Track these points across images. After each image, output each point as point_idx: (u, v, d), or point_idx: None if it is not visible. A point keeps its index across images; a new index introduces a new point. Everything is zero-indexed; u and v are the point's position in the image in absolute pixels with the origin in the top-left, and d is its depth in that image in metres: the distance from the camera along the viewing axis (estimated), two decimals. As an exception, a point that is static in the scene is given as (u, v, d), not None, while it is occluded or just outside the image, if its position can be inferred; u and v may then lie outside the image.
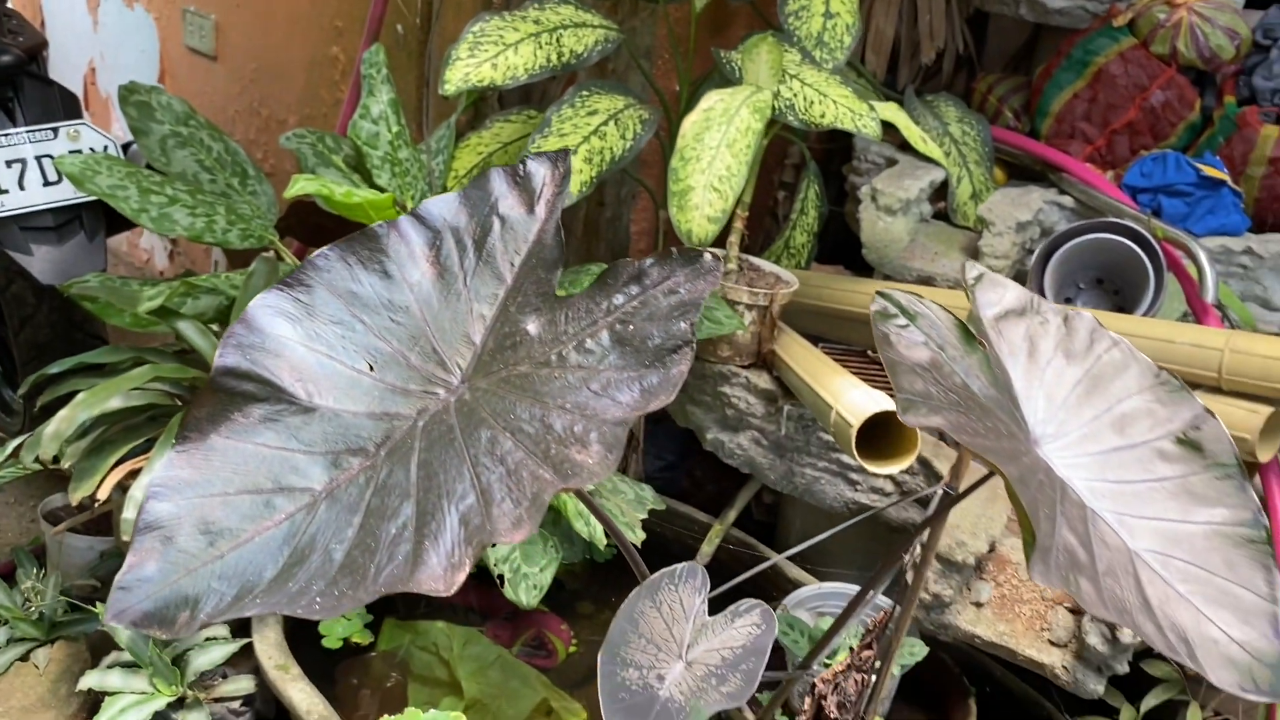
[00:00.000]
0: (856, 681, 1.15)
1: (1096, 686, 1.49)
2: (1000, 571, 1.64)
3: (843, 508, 1.86)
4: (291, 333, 0.81)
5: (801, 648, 1.61)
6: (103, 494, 1.52)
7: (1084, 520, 0.77)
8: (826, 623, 1.61)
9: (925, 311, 0.82)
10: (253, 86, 2.68)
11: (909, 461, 1.35)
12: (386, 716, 1.47)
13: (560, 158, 0.86)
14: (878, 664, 1.17)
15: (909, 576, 1.12)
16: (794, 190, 2.40)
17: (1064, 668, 1.51)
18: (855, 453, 1.34)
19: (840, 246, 2.36)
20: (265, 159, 2.68)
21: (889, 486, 1.80)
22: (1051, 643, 1.56)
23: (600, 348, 0.78)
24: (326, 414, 0.79)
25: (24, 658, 1.74)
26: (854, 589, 1.70)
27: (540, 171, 0.87)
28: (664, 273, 0.79)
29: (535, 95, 2.23)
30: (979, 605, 1.60)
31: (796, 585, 1.83)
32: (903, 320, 0.81)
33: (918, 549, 1.06)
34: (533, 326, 0.81)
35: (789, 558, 1.69)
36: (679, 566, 1.05)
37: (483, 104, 2.24)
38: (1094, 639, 1.47)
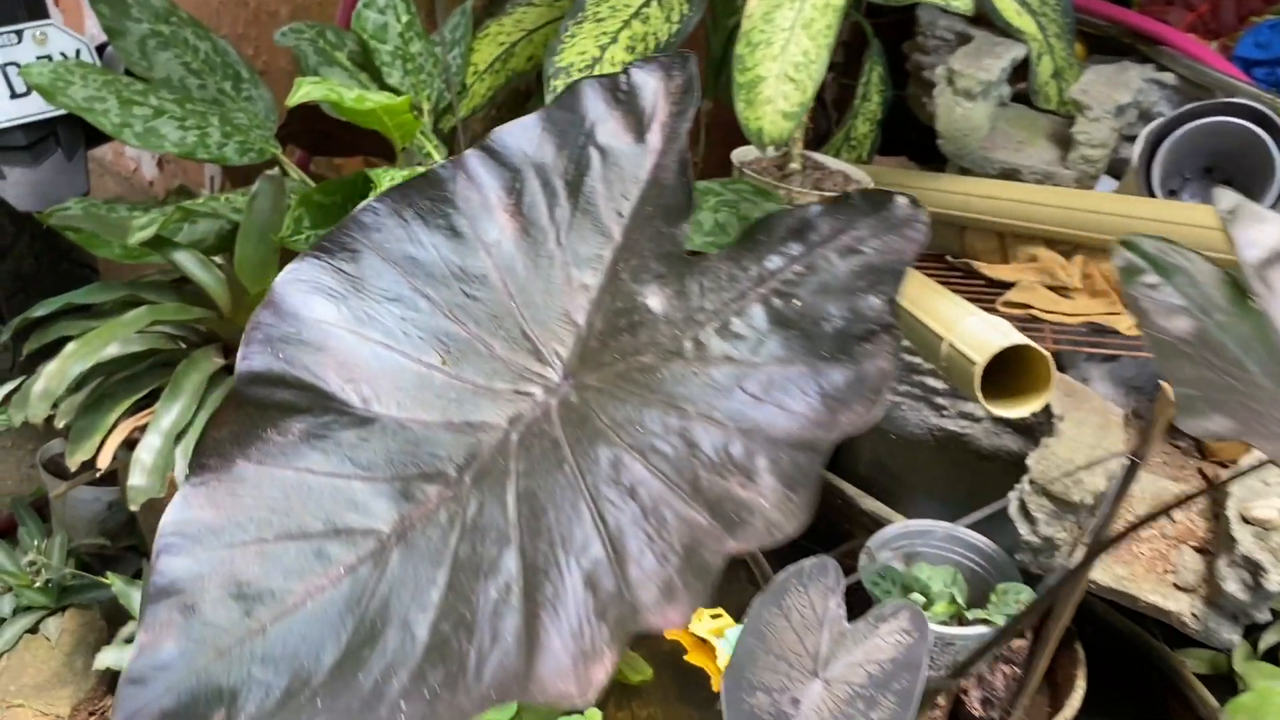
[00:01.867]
0: (1004, 675, 0.99)
1: (1231, 635, 1.33)
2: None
3: (926, 434, 1.67)
4: (335, 316, 0.60)
5: (896, 598, 1.43)
6: (104, 460, 1.33)
7: None
8: (921, 568, 1.44)
9: (1182, 264, 0.61)
10: (238, -28, 2.39)
11: (1042, 402, 1.16)
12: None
13: (678, 64, 0.64)
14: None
15: (1071, 555, 0.94)
16: (846, 72, 2.13)
17: (1193, 615, 1.35)
18: (979, 395, 1.14)
19: (901, 134, 2.12)
20: (256, 56, 2.41)
21: (979, 412, 1.61)
22: (1177, 586, 1.39)
23: (752, 331, 0.57)
24: (389, 425, 0.59)
25: (33, 629, 1.58)
26: (944, 526, 1.52)
27: (650, 84, 0.64)
28: (837, 224, 0.58)
29: (559, -26, 1.96)
30: (1094, 547, 1.42)
31: (872, 519, 1.66)
32: (1154, 278, 0.60)
33: (1081, 529, 0.87)
34: (655, 300, 0.60)
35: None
36: (805, 563, 0.86)
37: (499, -14, 1.97)
38: (1232, 585, 1.29)
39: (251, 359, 0.58)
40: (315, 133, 1.87)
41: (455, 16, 1.85)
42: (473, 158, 0.65)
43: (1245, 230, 0.64)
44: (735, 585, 1.64)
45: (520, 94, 2.02)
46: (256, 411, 0.59)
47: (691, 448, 0.55)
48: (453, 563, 0.56)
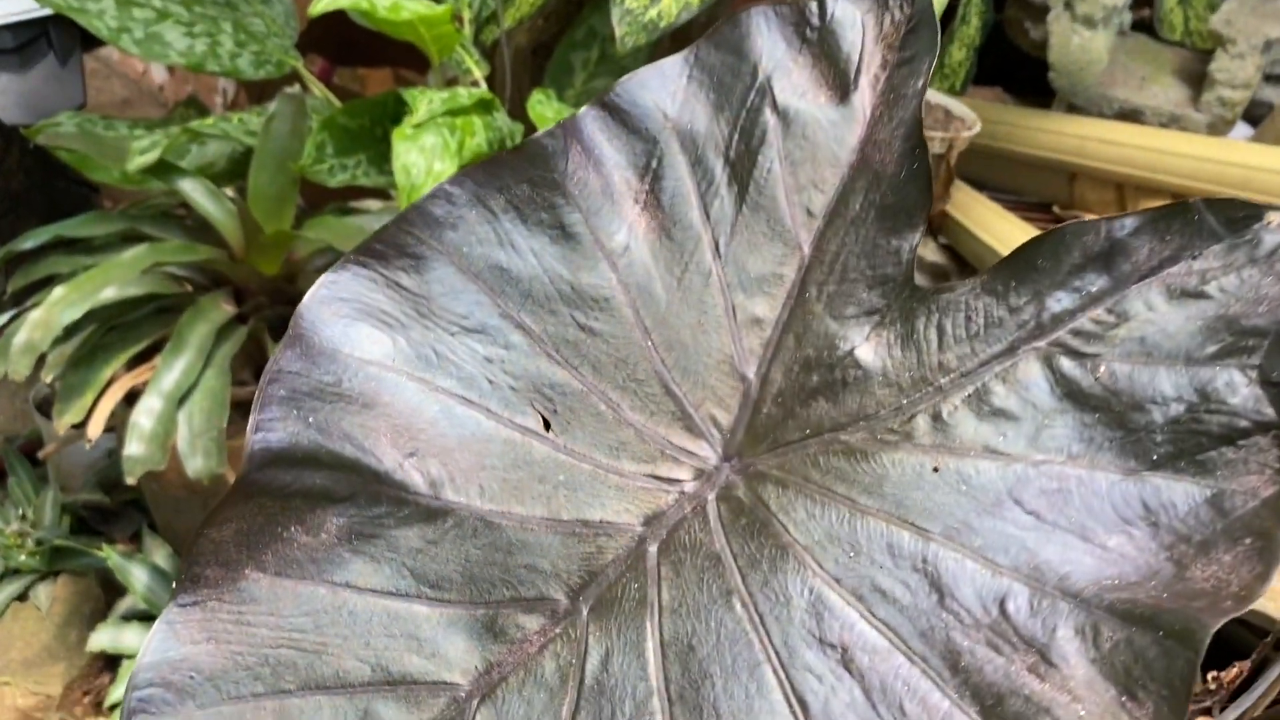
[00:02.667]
0: None
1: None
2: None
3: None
4: (390, 354, 0.41)
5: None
6: (94, 429, 1.14)
7: None
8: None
9: None
10: None
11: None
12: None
13: (902, -9, 0.42)
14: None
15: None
16: (947, -8, 1.87)
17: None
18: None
19: (995, 63, 1.88)
20: (273, -49, 2.15)
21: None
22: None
23: (1028, 407, 0.37)
24: (469, 521, 0.40)
25: (22, 596, 1.42)
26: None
27: (857, 17, 0.43)
28: (1165, 247, 0.38)
29: None
30: None
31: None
32: None
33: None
34: (867, 349, 0.40)
35: None
36: None
37: (553, -124, 1.71)
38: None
39: (270, 429, 0.39)
40: (339, 40, 1.64)
41: (503, -88, 1.60)
42: (590, 120, 0.44)
43: None
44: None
45: (572, 2, 1.78)
46: (276, 502, 0.40)
47: (940, 593, 0.36)
48: (565, 745, 0.37)
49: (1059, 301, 0.39)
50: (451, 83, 1.42)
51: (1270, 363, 0.35)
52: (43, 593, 1.42)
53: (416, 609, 0.40)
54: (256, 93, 1.64)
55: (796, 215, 0.43)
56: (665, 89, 0.45)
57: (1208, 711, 0.83)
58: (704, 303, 0.43)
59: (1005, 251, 1.08)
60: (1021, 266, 0.39)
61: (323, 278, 0.41)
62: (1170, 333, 0.37)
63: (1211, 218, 0.37)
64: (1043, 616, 0.34)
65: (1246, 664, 0.50)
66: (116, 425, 1.26)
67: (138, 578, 1.29)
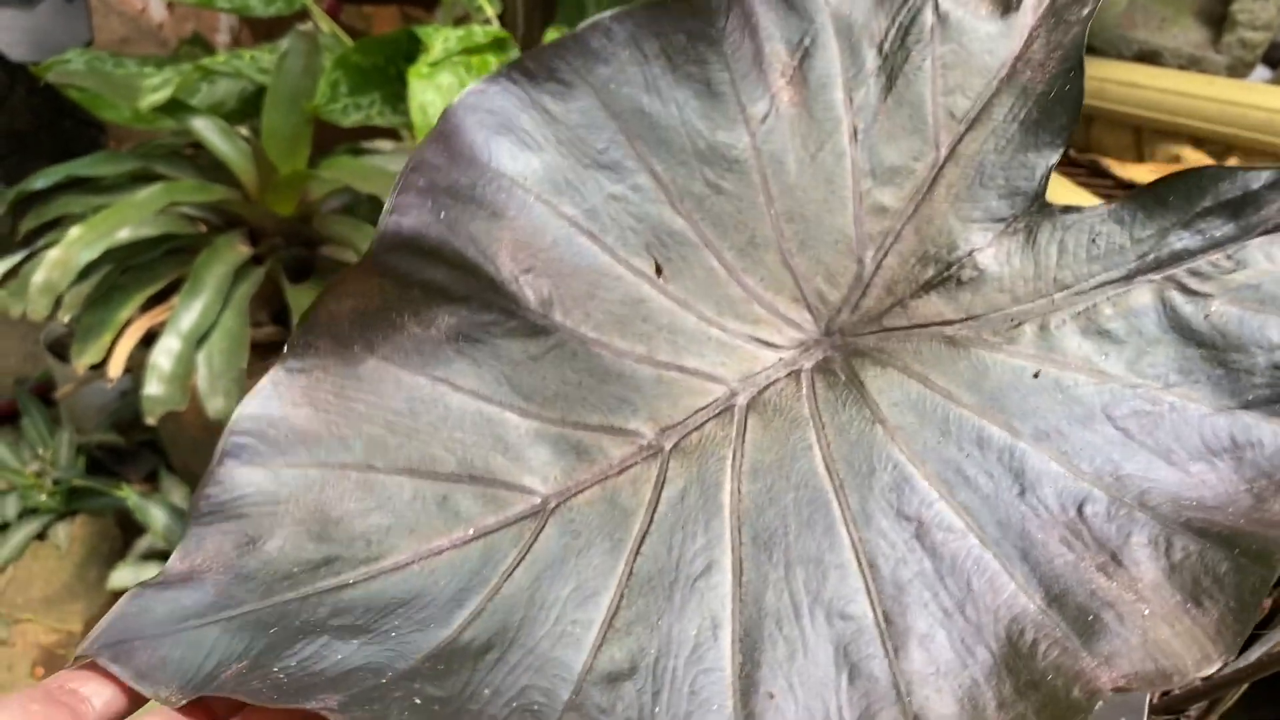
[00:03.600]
0: None
1: None
2: None
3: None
4: (526, 171, 0.42)
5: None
6: (115, 368, 1.15)
7: None
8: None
9: None
10: None
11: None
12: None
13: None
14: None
15: None
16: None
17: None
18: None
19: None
20: None
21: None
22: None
23: (1134, 333, 0.39)
24: (570, 343, 0.41)
25: (41, 535, 1.42)
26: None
27: (1034, -66, 0.44)
28: (1298, 208, 0.38)
29: None
30: None
31: None
32: None
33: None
34: (988, 253, 0.42)
35: None
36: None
37: None
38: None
39: (405, 212, 0.40)
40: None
41: None
42: (755, -8, 0.45)
43: None
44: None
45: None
46: (395, 287, 0.41)
47: (1021, 487, 0.38)
48: (633, 563, 0.39)
49: (1181, 240, 0.40)
50: (461, 20, 1.41)
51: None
52: (61, 532, 1.43)
53: (507, 416, 0.42)
54: (263, 32, 1.61)
55: (939, 115, 0.44)
56: (831, -24, 0.46)
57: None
58: (833, 182, 0.44)
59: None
60: (1151, 201, 0.40)
61: (473, 85, 0.42)
62: (1289, 284, 0.38)
63: (1349, 182, 0.38)
64: (1118, 523, 0.36)
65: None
66: (133, 366, 1.26)
67: (156, 517, 1.30)
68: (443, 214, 0.41)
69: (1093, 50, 1.62)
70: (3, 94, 1.69)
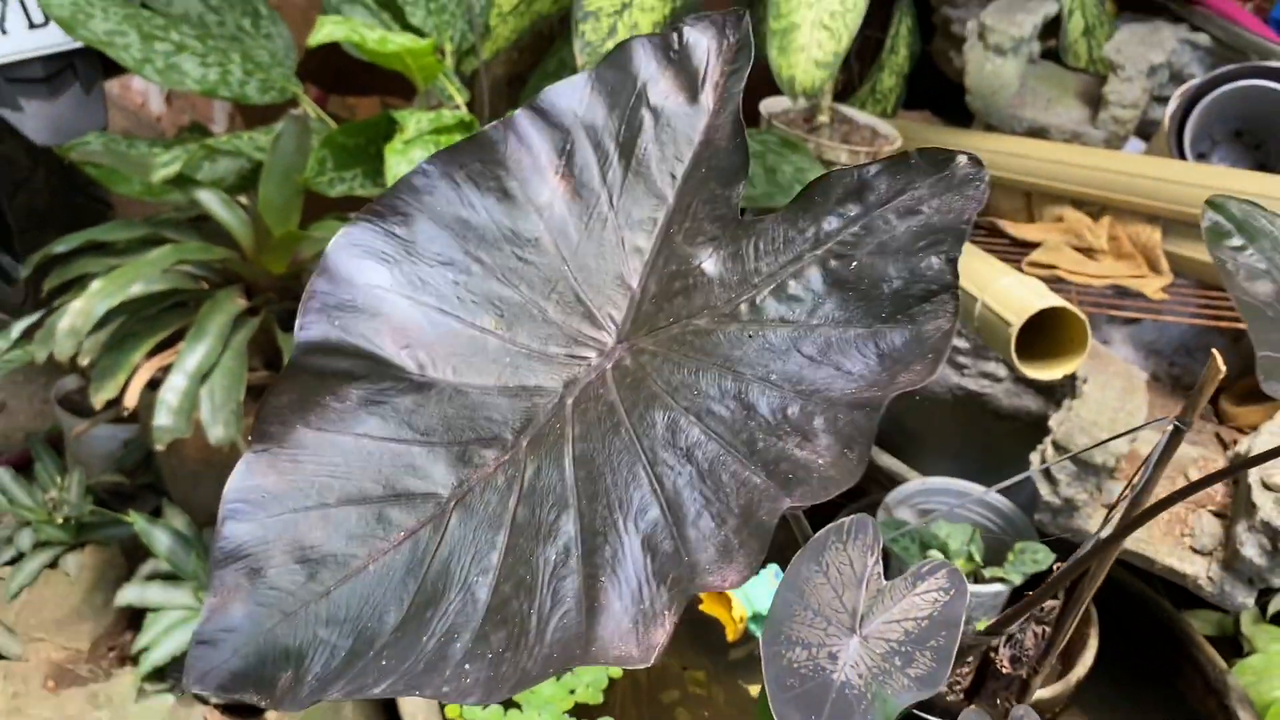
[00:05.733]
0: (1035, 634, 1.00)
1: (1246, 600, 1.35)
2: (1133, 472, 1.47)
3: (946, 393, 1.68)
4: (389, 281, 0.61)
5: (913, 555, 1.46)
6: (130, 399, 1.35)
7: None
8: (939, 525, 1.45)
9: (1266, 228, 0.61)
10: (250, -91, 2.34)
11: (1076, 364, 1.16)
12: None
13: (731, 22, 0.63)
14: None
15: (1111, 517, 0.95)
16: (873, 25, 2.11)
17: (1209, 579, 1.37)
18: (1015, 357, 1.14)
19: (924, 89, 2.10)
20: (271, -7, 2.38)
21: (1001, 371, 1.62)
22: (1194, 550, 1.41)
23: (809, 293, 0.58)
24: (445, 390, 0.60)
25: (52, 564, 1.61)
26: (962, 485, 1.53)
27: (703, 43, 0.64)
28: (896, 184, 0.58)
29: (585, -87, 1.92)
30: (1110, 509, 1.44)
31: (890, 477, 1.67)
32: (1239, 240, 0.60)
33: (1124, 491, 0.88)
34: (709, 263, 0.61)
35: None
36: (846, 521, 0.88)
37: (524, -75, 1.93)
38: (1250, 549, 1.31)
39: (309, 328, 0.59)
40: (332, 71, 1.86)
41: (478, -43, 1.82)
42: (522, 118, 0.65)
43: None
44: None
45: (543, 37, 2.00)
46: (315, 379, 0.60)
47: (748, 410, 0.56)
48: (511, 526, 0.57)
49: (829, 224, 0.59)
50: (435, 108, 1.63)
51: (951, 248, 0.55)
52: (71, 561, 1.61)
53: (412, 449, 0.60)
54: (254, 117, 1.84)
55: (664, 179, 0.63)
56: (575, 96, 0.66)
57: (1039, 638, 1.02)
58: (603, 239, 0.63)
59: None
60: (805, 202, 0.60)
61: (340, 230, 0.62)
62: (897, 237, 0.57)
63: (924, 163, 0.58)
64: (808, 414, 0.55)
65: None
66: (138, 410, 1.46)
67: (160, 540, 1.48)
68: (336, 323, 0.60)
69: (990, 128, 1.84)
70: (26, 174, 1.91)
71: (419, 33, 1.73)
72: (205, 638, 0.55)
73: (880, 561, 0.88)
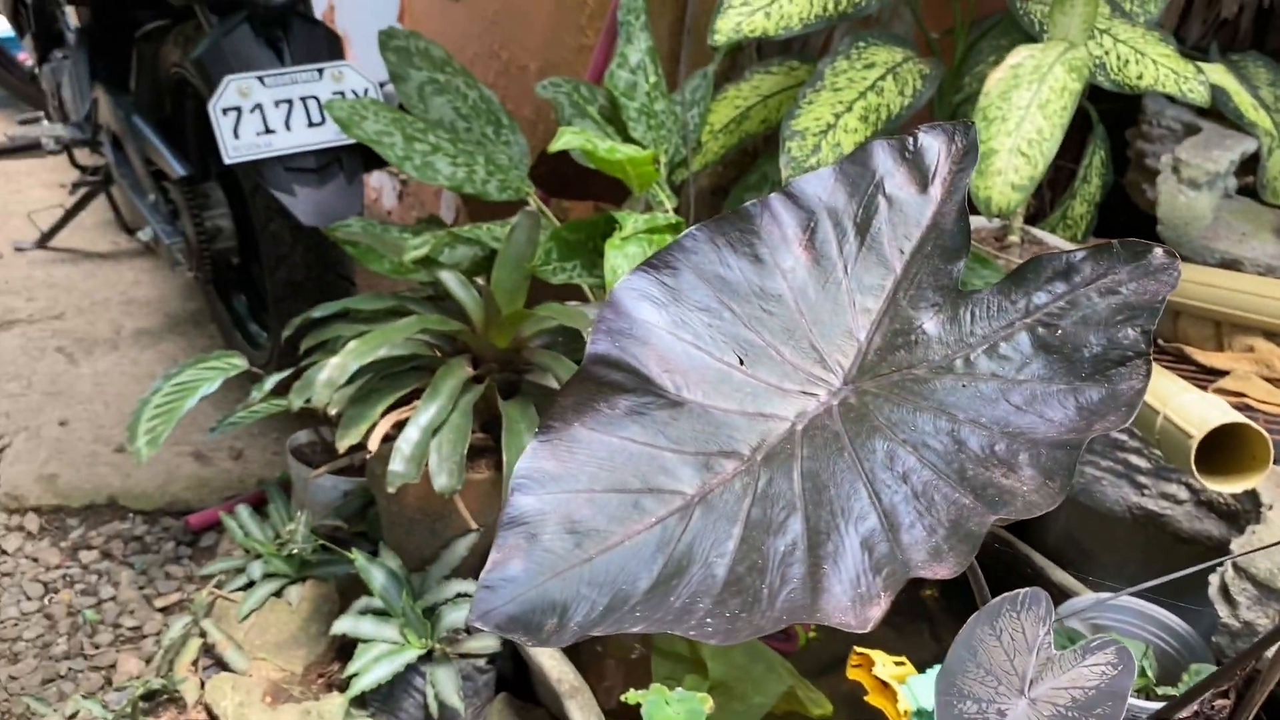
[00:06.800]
0: (1207, 732, 1.04)
1: None
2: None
3: (1124, 512, 1.70)
4: (657, 318, 0.75)
5: (1084, 664, 1.48)
6: (374, 444, 1.53)
7: None
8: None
9: None
10: (494, 28, 2.66)
11: (1260, 478, 1.20)
12: (633, 691, 1.44)
13: (960, 130, 0.76)
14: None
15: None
16: (1065, 155, 2.21)
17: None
18: (1194, 468, 1.20)
19: (1116, 219, 2.17)
20: (505, 104, 2.67)
21: (1183, 494, 1.64)
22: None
23: (1018, 354, 0.68)
24: (695, 410, 0.73)
25: (278, 594, 1.80)
26: (1139, 604, 1.55)
27: (935, 146, 0.77)
28: (1099, 269, 0.69)
29: (796, 45, 2.12)
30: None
31: (1060, 590, 1.70)
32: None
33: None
34: (930, 324, 0.72)
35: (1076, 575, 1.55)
36: (1022, 592, 0.95)
37: (739, 54, 2.15)
38: None
39: (598, 344, 0.73)
40: (559, 177, 2.08)
41: (696, 79, 2.04)
42: (775, 200, 0.79)
43: None
44: (919, 640, 1.70)
45: (746, 153, 2.18)
46: (594, 386, 0.74)
47: (959, 445, 0.67)
48: (745, 521, 0.69)
49: (1038, 298, 0.70)
50: (646, 210, 1.82)
51: (1146, 322, 0.65)
52: (294, 593, 1.80)
53: (665, 454, 0.73)
54: (482, 213, 2.08)
55: (893, 253, 0.76)
56: (821, 184, 0.80)
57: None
58: (837, 299, 0.76)
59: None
60: (1018, 278, 0.71)
61: (626, 276, 0.77)
62: (1098, 312, 0.68)
63: (1124, 251, 0.68)
64: (1013, 450, 0.65)
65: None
66: (365, 463, 1.64)
67: (376, 577, 1.65)
68: (615, 343, 0.74)
69: (1182, 259, 1.89)
70: (288, 250, 2.20)
71: (639, 145, 1.93)
72: (489, 584, 0.68)
73: (1051, 633, 0.95)
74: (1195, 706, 1.05)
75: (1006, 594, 0.95)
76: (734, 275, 0.77)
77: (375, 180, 3.29)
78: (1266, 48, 2.09)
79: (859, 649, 1.39)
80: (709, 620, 0.63)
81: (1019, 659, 0.91)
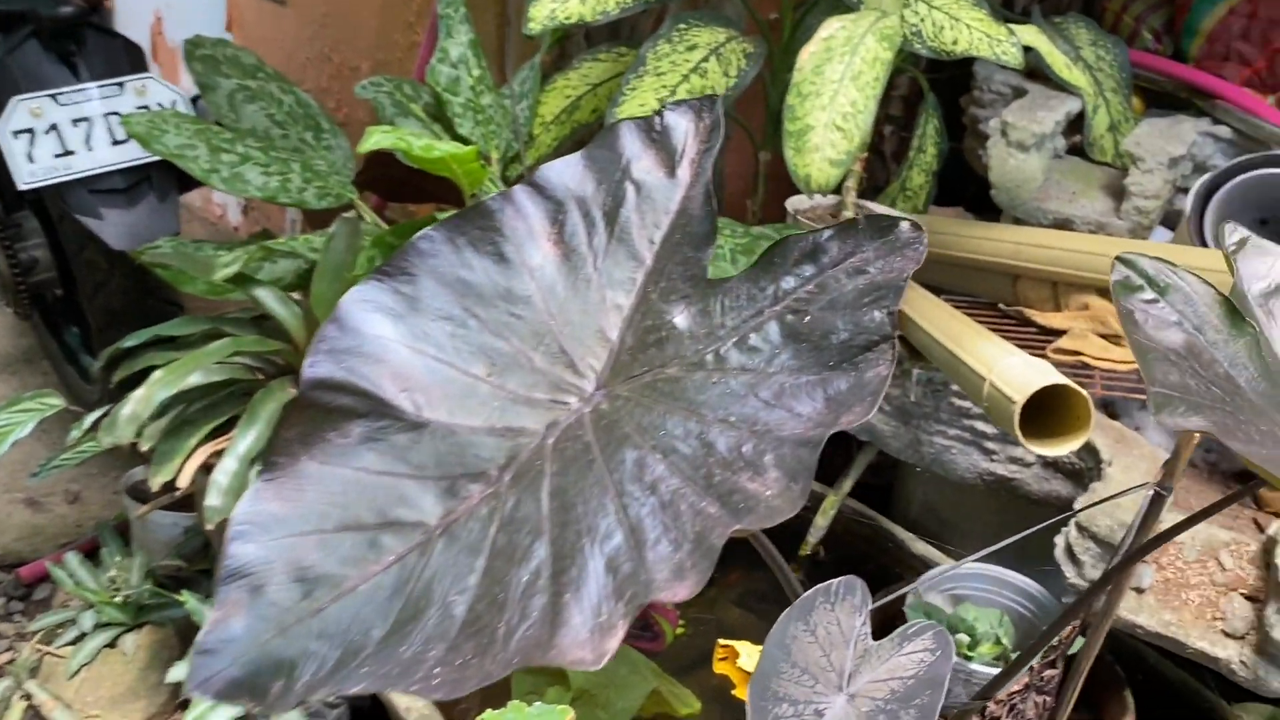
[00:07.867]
0: (1036, 704, 1.01)
1: (1280, 685, 1.33)
2: (1163, 554, 1.47)
3: (975, 479, 1.69)
4: (393, 332, 0.68)
5: (943, 639, 1.46)
6: (184, 480, 1.43)
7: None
8: (967, 609, 1.46)
9: (1178, 284, 0.65)
10: (323, 31, 2.55)
11: (1081, 440, 1.19)
12: (490, 711, 1.37)
13: (706, 106, 0.71)
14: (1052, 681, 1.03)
15: (1106, 587, 0.97)
16: (905, 125, 2.19)
17: (1242, 662, 1.34)
18: (1019, 432, 1.18)
19: (957, 186, 2.17)
20: (339, 109, 2.56)
21: (1030, 456, 1.63)
22: (1226, 634, 1.39)
23: (768, 344, 0.63)
24: (438, 430, 0.66)
25: (112, 644, 1.68)
26: (993, 570, 1.54)
27: (681, 125, 0.72)
28: (846, 248, 0.64)
29: (624, 31, 2.07)
30: (1140, 591, 1.43)
31: (923, 562, 1.68)
32: (1150, 294, 0.65)
33: (1118, 556, 0.90)
34: (681, 318, 0.67)
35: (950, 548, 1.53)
36: (835, 582, 0.91)
37: (568, 43, 2.08)
38: (1280, 631, 1.29)
39: (317, 367, 0.66)
40: (391, 180, 1.99)
41: (524, 70, 1.96)
42: (520, 191, 0.72)
43: (1251, 263, 0.68)
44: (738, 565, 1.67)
45: (581, 144, 2.11)
46: (320, 415, 0.66)
47: (708, 448, 0.62)
48: (490, 551, 0.63)
49: (786, 283, 0.65)
50: None
51: (891, 303, 0.61)
52: (129, 641, 1.68)
53: (406, 482, 0.66)
54: (320, 224, 1.97)
55: (643, 244, 0.70)
56: (569, 172, 0.73)
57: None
58: (587, 297, 0.70)
59: (956, 346, 1.34)
60: (767, 264, 0.66)
61: (353, 288, 0.69)
62: (846, 294, 0.63)
63: (870, 228, 0.64)
64: (760, 451, 0.60)
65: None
66: (195, 493, 1.54)
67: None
68: (341, 363, 0.67)
69: (1017, 221, 1.90)
70: (104, 277, 2.05)
71: (466, 142, 1.85)
72: (207, 647, 0.61)
73: (868, 622, 0.90)
74: (1025, 678, 1.03)
75: (819, 586, 0.90)
76: (478, 277, 0.71)
77: (220, 197, 3.14)
78: (1093, 11, 2.10)
79: (723, 641, 1.34)
80: (437, 670, 0.56)
81: (835, 654, 0.87)
